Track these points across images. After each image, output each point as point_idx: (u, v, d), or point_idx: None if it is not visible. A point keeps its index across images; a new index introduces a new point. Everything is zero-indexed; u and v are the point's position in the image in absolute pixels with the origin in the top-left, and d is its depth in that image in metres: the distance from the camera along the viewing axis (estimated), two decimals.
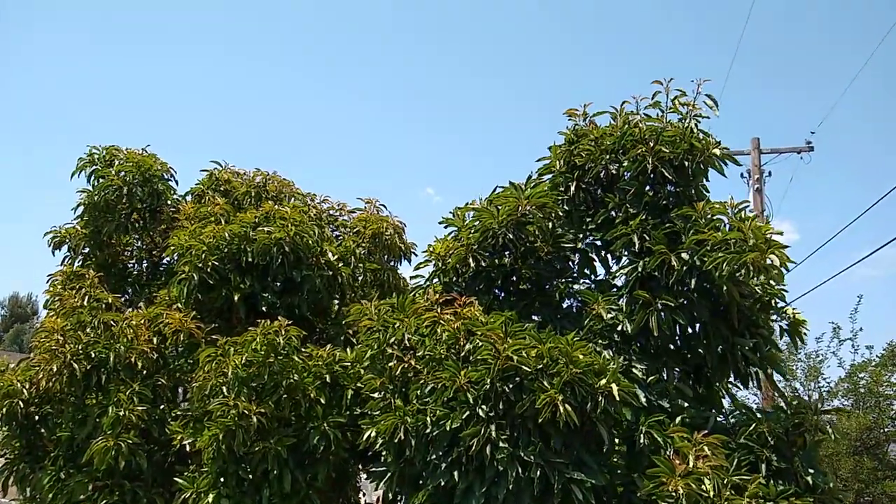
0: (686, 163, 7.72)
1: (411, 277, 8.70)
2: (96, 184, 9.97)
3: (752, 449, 6.74)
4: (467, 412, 6.66)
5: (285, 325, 7.88)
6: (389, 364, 7.44)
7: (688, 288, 7.31)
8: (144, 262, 10.44)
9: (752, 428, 6.85)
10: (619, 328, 7.48)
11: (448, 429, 6.62)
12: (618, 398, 6.56)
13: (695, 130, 7.82)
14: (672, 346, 7.73)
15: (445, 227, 8.50)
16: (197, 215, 9.57)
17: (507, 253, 7.90)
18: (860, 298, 17.71)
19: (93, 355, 7.92)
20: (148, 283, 10.20)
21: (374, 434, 7.11)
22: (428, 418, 6.83)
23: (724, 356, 7.51)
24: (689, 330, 7.64)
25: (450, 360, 7.05)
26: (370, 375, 7.55)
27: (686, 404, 7.29)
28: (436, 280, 8.30)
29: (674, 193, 7.83)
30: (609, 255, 8.19)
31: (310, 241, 8.93)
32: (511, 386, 6.64)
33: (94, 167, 10.11)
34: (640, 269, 7.44)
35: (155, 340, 8.36)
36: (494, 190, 8.25)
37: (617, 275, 7.87)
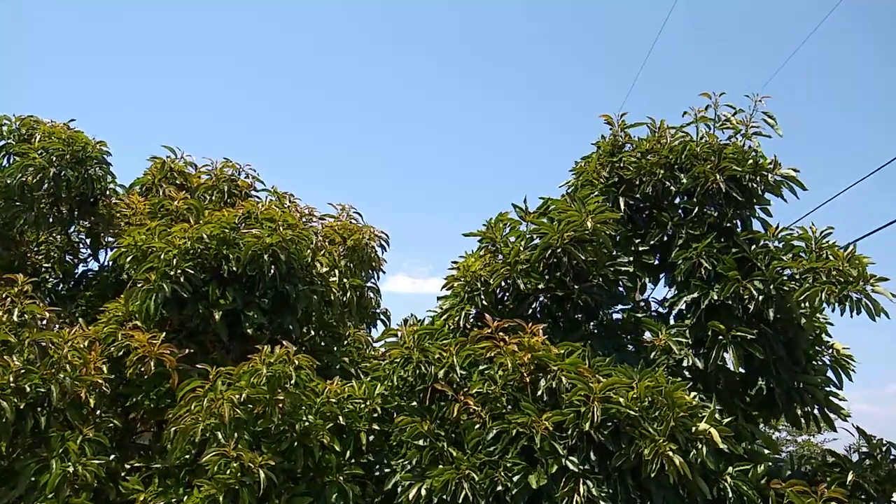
0: (753, 184, 7.09)
1: (439, 298, 7.37)
2: (8, 163, 7.70)
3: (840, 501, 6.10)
4: (555, 466, 5.48)
5: (293, 353, 6.29)
6: (437, 404, 6.13)
7: (764, 320, 6.64)
8: (82, 265, 8.21)
9: (844, 476, 6.22)
10: (686, 362, 6.66)
11: (535, 486, 5.40)
12: (721, 444, 5.69)
13: (757, 149, 7.23)
14: (733, 382, 7.02)
15: (480, 241, 7.30)
16: (151, 211, 7.64)
17: (558, 274, 6.82)
18: None
19: (27, 390, 5.82)
20: (71, 295, 8.02)
21: (422, 492, 5.72)
22: (500, 473, 5.57)
23: (790, 394, 6.90)
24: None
25: (522, 400, 5.85)
26: (409, 418, 6.14)
27: (764, 448, 6.56)
28: (467, 302, 7.04)
29: (738, 216, 7.16)
30: (663, 280, 7.38)
31: (304, 250, 7.34)
32: (605, 432, 5.57)
33: (5, 141, 7.83)
34: (712, 297, 6.67)
35: (105, 369, 6.38)
36: (545, 203, 7.16)
37: (676, 301, 7.03)
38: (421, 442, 5.99)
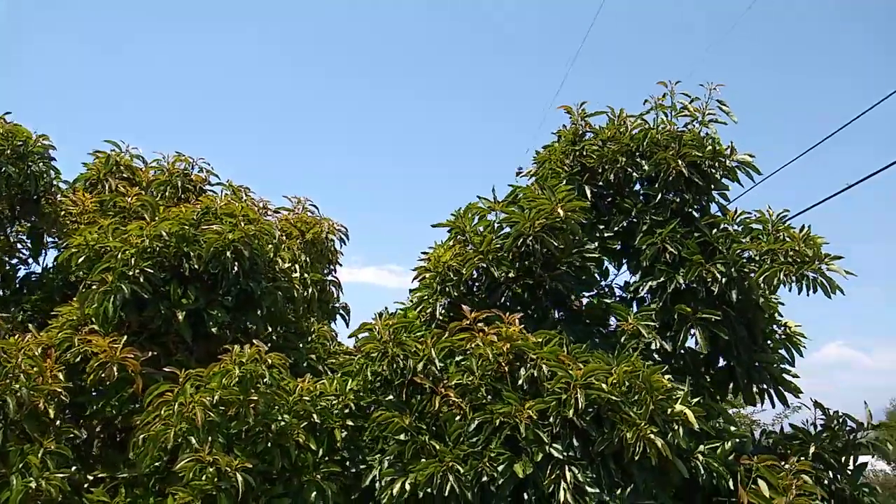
0: (712, 169, 7.29)
1: (411, 291, 7.27)
2: None
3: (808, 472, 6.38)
4: (540, 454, 5.51)
5: (264, 351, 6.11)
6: (416, 398, 6.07)
7: (726, 301, 6.85)
8: (22, 267, 7.67)
9: (806, 449, 6.50)
10: (654, 345, 6.80)
11: (521, 475, 5.42)
12: (696, 426, 5.85)
13: (714, 136, 7.43)
14: (697, 363, 7.22)
15: (449, 232, 7.25)
16: (100, 209, 7.23)
17: (528, 263, 6.84)
18: None
19: None
20: (15, 300, 7.52)
21: (406, 486, 5.66)
22: (485, 463, 5.56)
23: (749, 372, 7.15)
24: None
25: (503, 390, 5.86)
26: (388, 412, 6.05)
27: (730, 425, 6.77)
28: (439, 293, 6.98)
29: (697, 201, 7.35)
30: (625, 265, 7.51)
31: (266, 246, 7.12)
32: (587, 419, 5.64)
33: None
34: (677, 281, 6.83)
35: (62, 376, 6.03)
36: (514, 192, 7.17)
37: (640, 286, 7.16)
38: (402, 436, 5.92)
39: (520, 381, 5.89)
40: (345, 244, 8.99)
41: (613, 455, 5.66)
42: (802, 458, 6.16)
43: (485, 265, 6.72)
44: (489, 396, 5.97)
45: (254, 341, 6.18)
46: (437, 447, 5.75)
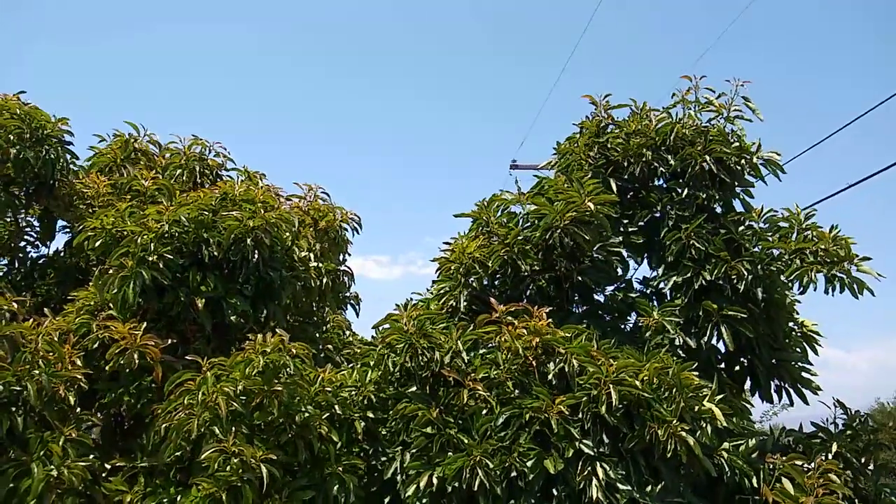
0: (738, 166, 7.22)
1: (434, 282, 7.17)
2: None
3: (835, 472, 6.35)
4: (571, 450, 5.45)
5: (287, 341, 6.00)
6: (444, 390, 5.99)
7: (751, 299, 6.80)
8: (33, 250, 7.49)
9: (827, 447, 6.47)
10: (677, 341, 6.75)
11: (552, 470, 5.35)
12: (723, 423, 5.82)
13: (740, 132, 7.36)
14: (717, 360, 7.18)
15: (473, 223, 7.16)
16: (115, 192, 7.08)
17: (554, 256, 6.76)
18: None
19: (0, 389, 5.29)
20: (28, 284, 7.36)
21: (434, 480, 5.57)
22: (514, 458, 5.48)
23: (769, 370, 7.11)
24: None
25: (532, 384, 5.79)
26: (414, 405, 5.95)
27: (753, 423, 6.75)
28: (463, 285, 6.88)
29: (722, 197, 7.28)
30: (648, 260, 7.44)
31: (286, 234, 7.00)
32: (618, 415, 5.58)
33: None
34: (703, 278, 6.77)
35: (79, 361, 5.88)
36: (540, 184, 7.07)
37: (663, 281, 7.09)
38: (428, 429, 5.83)
39: (549, 376, 5.82)
40: (358, 233, 8.86)
41: (643, 452, 5.61)
42: (828, 457, 6.15)
43: (510, 258, 6.63)
44: (516, 391, 5.89)
45: (277, 330, 6.07)
46: (466, 441, 5.67)
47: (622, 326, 7.03)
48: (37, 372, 5.47)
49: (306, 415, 5.84)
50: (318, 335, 7.57)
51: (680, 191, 7.19)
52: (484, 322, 6.11)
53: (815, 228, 6.75)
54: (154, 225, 6.43)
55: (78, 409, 5.73)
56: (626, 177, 7.47)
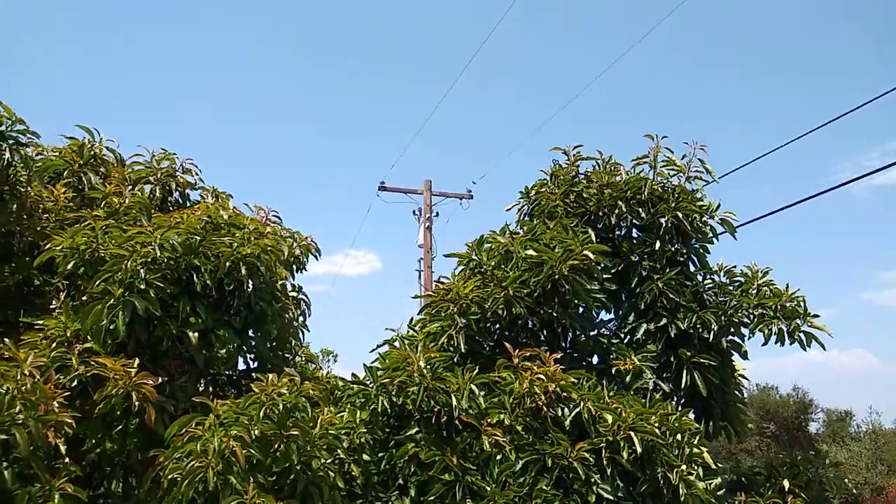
0: (699, 223, 7.86)
1: (415, 322, 7.05)
2: None
3: None
4: (593, 496, 5.61)
5: (297, 380, 5.66)
6: (461, 435, 5.92)
7: (714, 347, 7.41)
8: None
9: (780, 484, 7.16)
10: (649, 385, 7.18)
11: None
12: (713, 465, 6.28)
13: (702, 191, 8.04)
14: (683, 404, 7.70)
15: (464, 263, 7.16)
16: (78, 204, 6.27)
17: (552, 300, 6.95)
18: None
19: None
20: None
21: None
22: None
23: (723, 411, 7.76)
24: None
25: (549, 430, 5.89)
26: (427, 449, 5.83)
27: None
28: (462, 327, 6.84)
29: (687, 250, 7.88)
30: (617, 306, 7.84)
31: (276, 263, 6.60)
32: (631, 459, 5.83)
33: None
34: (677, 326, 7.27)
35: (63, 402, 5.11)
36: (532, 227, 7.25)
37: (636, 328, 7.52)
38: (447, 476, 5.73)
39: (566, 422, 5.96)
40: (317, 259, 8.48)
41: (652, 495, 5.89)
42: (783, 494, 6.83)
43: (507, 300, 6.71)
44: (529, 436, 5.97)
45: (286, 369, 5.71)
46: (488, 488, 5.65)
47: (604, 370, 7.34)
48: (21, 416, 4.71)
49: (321, 461, 5.52)
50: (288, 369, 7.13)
51: (651, 243, 7.69)
52: (502, 366, 6.14)
53: (771, 284, 7.51)
54: (141, 249, 5.81)
55: (66, 459, 4.98)
56: (599, 226, 7.86)
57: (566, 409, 6.02)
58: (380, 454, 6.34)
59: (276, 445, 5.31)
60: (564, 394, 6.07)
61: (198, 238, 6.14)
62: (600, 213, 7.86)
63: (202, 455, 5.04)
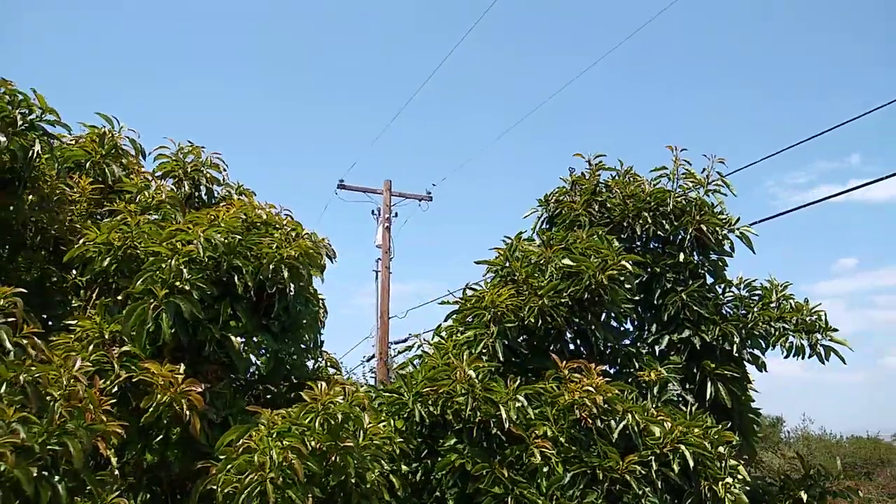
0: (720, 237, 7.98)
1: (443, 329, 6.95)
2: None
3: None
4: None
5: (349, 388, 5.48)
6: (510, 448, 5.83)
7: (736, 360, 7.54)
8: None
9: (795, 495, 7.32)
10: (673, 396, 7.25)
11: None
12: (748, 479, 6.38)
13: (722, 205, 8.16)
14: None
15: (496, 270, 7.07)
16: (104, 197, 5.90)
17: (587, 310, 6.94)
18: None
19: (36, 449, 4.10)
20: None
21: None
22: None
23: (741, 422, 7.87)
24: None
25: (598, 442, 5.87)
26: (476, 462, 5.72)
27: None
28: (498, 335, 6.73)
29: (708, 264, 7.99)
30: (641, 317, 7.88)
31: (314, 265, 6.37)
32: (677, 471, 5.86)
33: None
34: (702, 338, 7.36)
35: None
36: (564, 236, 7.21)
37: (659, 339, 7.59)
38: (497, 489, 5.63)
39: (613, 434, 5.94)
40: (332, 262, 8.18)
41: None
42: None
43: (541, 309, 6.65)
44: (573, 448, 5.93)
45: (335, 377, 5.51)
46: (539, 501, 5.57)
47: (630, 381, 7.36)
48: (71, 426, 4.38)
49: (376, 473, 5.34)
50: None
51: (675, 254, 7.76)
52: (550, 377, 6.08)
53: (791, 298, 7.68)
54: (183, 247, 5.51)
55: (116, 471, 4.66)
56: (623, 236, 7.89)
57: (612, 422, 6.00)
58: (412, 464, 6.22)
59: (332, 457, 5.11)
60: (607, 405, 6.05)
61: (237, 237, 5.87)
62: (624, 224, 7.89)
63: (260, 468, 4.81)
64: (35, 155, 5.52)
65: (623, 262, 6.80)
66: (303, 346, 6.49)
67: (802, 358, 7.41)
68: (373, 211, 21.90)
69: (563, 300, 6.76)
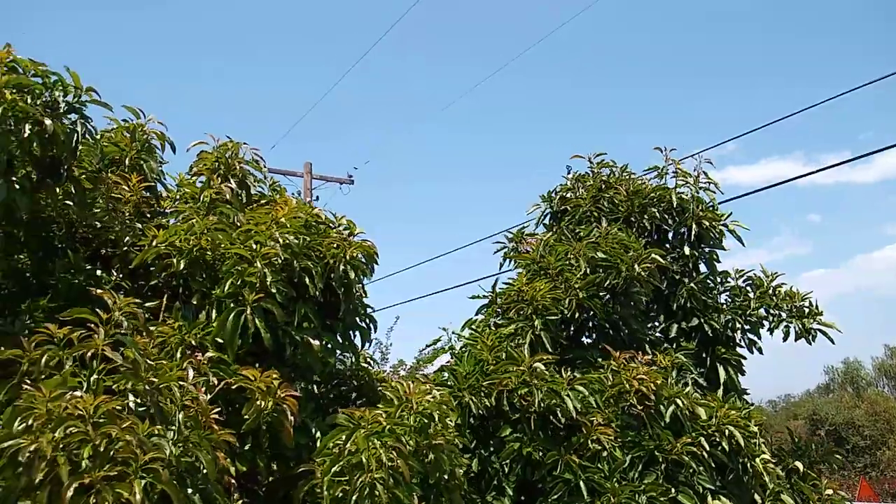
0: (715, 232, 8.58)
1: (474, 322, 7.15)
2: None
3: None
4: (700, 486, 6.06)
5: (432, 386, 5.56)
6: (576, 436, 6.10)
7: (736, 344, 8.18)
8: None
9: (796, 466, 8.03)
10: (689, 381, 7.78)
11: None
12: (769, 455, 6.98)
13: (714, 202, 8.76)
14: None
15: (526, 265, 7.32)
16: (152, 197, 5.62)
17: (617, 301, 7.32)
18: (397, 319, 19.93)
19: (173, 463, 3.91)
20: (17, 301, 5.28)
21: None
22: (658, 498, 5.90)
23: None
24: None
25: (652, 425, 6.26)
26: (547, 450, 5.96)
27: None
28: (541, 327, 6.97)
29: (706, 256, 8.56)
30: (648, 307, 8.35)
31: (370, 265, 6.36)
32: (727, 450, 6.36)
33: None
34: (711, 326, 7.93)
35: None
36: (590, 231, 7.55)
37: (668, 328, 8.10)
38: (567, 475, 5.90)
39: (664, 419, 6.34)
40: (376, 263, 7.67)
41: (736, 483, 6.45)
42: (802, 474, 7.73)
43: (578, 301, 6.96)
44: (629, 433, 6.29)
45: (417, 376, 5.57)
46: (608, 485, 5.89)
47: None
48: (195, 438, 4.23)
49: (462, 469, 5.47)
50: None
51: (680, 248, 8.29)
52: (608, 367, 6.40)
53: (781, 287, 8.38)
54: (261, 249, 5.37)
55: (236, 483, 4.52)
56: (633, 231, 8.33)
57: (661, 406, 6.39)
58: (467, 455, 6.38)
59: (428, 456, 5.19)
60: (656, 391, 6.45)
61: (305, 238, 5.77)
62: (632, 219, 8.32)
63: (367, 470, 4.81)
64: (79, 138, 5.14)
65: (654, 255, 7.22)
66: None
67: (797, 341, 8.14)
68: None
69: (599, 292, 7.10)
